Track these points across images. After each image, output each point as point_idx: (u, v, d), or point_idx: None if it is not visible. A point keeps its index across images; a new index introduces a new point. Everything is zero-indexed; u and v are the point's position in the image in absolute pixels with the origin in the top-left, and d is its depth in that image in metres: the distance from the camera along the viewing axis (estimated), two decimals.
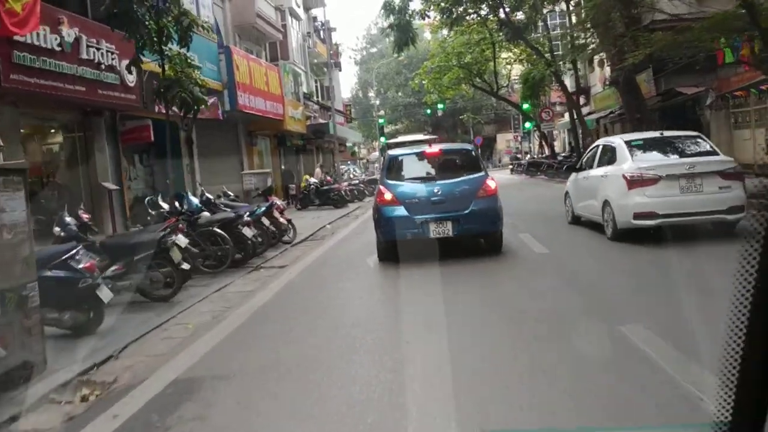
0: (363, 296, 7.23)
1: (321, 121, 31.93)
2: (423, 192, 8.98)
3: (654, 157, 9.51)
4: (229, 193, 13.61)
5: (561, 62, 27.41)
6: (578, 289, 6.63)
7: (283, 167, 26.24)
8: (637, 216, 8.91)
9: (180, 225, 8.68)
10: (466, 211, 8.74)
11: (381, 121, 48.36)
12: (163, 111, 10.88)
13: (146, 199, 10.62)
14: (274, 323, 6.30)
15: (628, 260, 8.21)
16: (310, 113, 31.94)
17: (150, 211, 9.86)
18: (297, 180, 26.29)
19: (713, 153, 9.39)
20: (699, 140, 9.91)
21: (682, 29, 15.36)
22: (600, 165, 10.51)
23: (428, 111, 59.16)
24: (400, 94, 62.40)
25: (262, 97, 20.94)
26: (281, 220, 12.09)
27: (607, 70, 33.53)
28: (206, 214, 10.68)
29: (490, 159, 63.90)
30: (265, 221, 11.00)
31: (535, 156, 43.49)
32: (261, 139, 25.91)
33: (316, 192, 22.90)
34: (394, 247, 8.90)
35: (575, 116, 30.90)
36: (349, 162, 55.25)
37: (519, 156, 50.36)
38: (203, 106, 9.53)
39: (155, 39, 8.97)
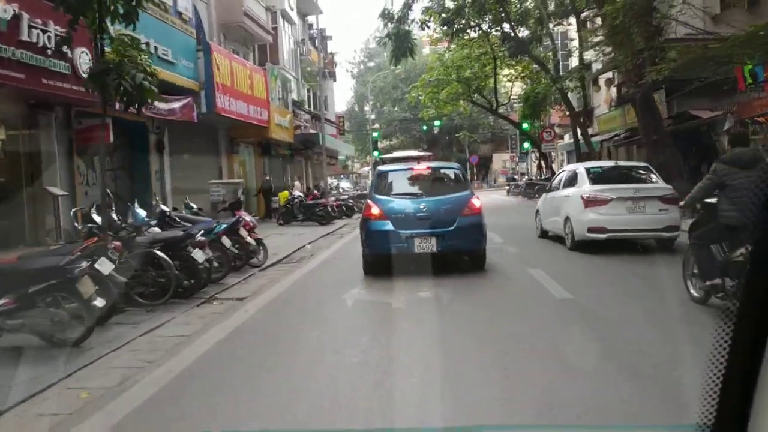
0: (333, 356, 5.39)
1: (311, 131, 30.20)
2: (409, 208, 9.23)
3: (608, 182, 11.26)
4: (192, 205, 11.79)
5: (567, 79, 25.79)
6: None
7: (267, 177, 24.44)
8: (590, 230, 10.82)
9: (113, 244, 6.86)
10: (451, 228, 8.99)
11: (375, 134, 46.69)
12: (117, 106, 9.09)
13: (78, 210, 8.71)
14: (195, 400, 4.42)
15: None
16: (299, 122, 30.22)
17: (75, 225, 8.00)
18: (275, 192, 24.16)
19: (656, 181, 11.33)
20: (647, 170, 11.88)
21: (710, 44, 13.81)
22: (565, 187, 12.37)
23: (424, 127, 57.65)
24: (396, 108, 60.84)
25: (244, 100, 19.18)
26: (248, 239, 10.26)
27: (614, 90, 32.17)
28: (155, 230, 8.86)
29: (485, 179, 62.36)
30: (226, 242, 9.14)
31: (533, 177, 41.84)
32: (244, 147, 24.12)
33: (301, 206, 21.08)
34: (381, 262, 9.12)
35: (579, 137, 29.34)
36: (342, 176, 53.58)
37: (516, 177, 48.82)
38: (149, 100, 7.63)
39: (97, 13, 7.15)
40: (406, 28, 27.74)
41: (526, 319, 6.35)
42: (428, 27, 29.08)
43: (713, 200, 6.32)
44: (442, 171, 10.56)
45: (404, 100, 58.66)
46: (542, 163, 38.67)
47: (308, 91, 36.83)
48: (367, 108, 65.36)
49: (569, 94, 30.61)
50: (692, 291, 6.62)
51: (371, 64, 66.70)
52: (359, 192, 32.98)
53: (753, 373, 0.83)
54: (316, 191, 24.48)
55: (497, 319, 6.37)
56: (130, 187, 15.94)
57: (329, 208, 21.04)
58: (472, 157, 58.45)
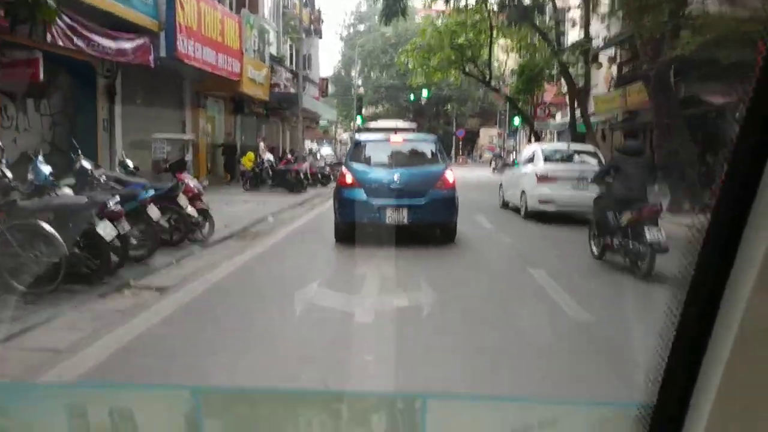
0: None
1: (292, 91, 28.05)
2: (383, 178, 9.25)
3: (559, 163, 13.37)
4: (128, 162, 9.82)
5: (569, 53, 23.89)
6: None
7: (243, 138, 22.43)
8: (540, 201, 12.60)
9: None
10: (423, 201, 9.05)
11: (360, 99, 44.45)
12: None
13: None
14: None
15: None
16: (278, 80, 28.02)
17: None
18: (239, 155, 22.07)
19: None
20: (593, 154, 13.84)
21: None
22: (524, 165, 14.33)
23: (412, 96, 55.49)
24: (383, 75, 58.43)
25: (213, 48, 17.04)
26: (189, 209, 8.37)
27: (615, 70, 30.38)
28: (67, 192, 6.95)
29: (471, 154, 60.54)
30: (153, 212, 7.22)
31: None
32: (213, 102, 21.99)
33: (270, 171, 19.14)
34: (352, 230, 9.11)
35: (576, 115, 27.59)
36: (324, 141, 51.40)
37: (502, 154, 47.05)
38: (47, 19, 5.67)
39: None
40: None
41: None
42: None
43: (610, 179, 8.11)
44: (419, 143, 10.60)
45: (393, 66, 56.20)
46: (533, 140, 36.92)
47: (290, 47, 34.50)
48: (354, 73, 62.89)
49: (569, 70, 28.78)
50: (593, 249, 8.53)
51: (361, 27, 63.84)
52: (337, 160, 31.11)
53: (699, 353, 0.82)
54: (290, 155, 22.47)
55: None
56: (70, 137, 13.84)
57: (302, 175, 19.11)
58: (459, 131, 56.50)
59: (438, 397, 1.68)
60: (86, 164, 7.99)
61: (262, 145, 20.89)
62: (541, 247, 10.04)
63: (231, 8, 21.17)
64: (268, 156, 19.58)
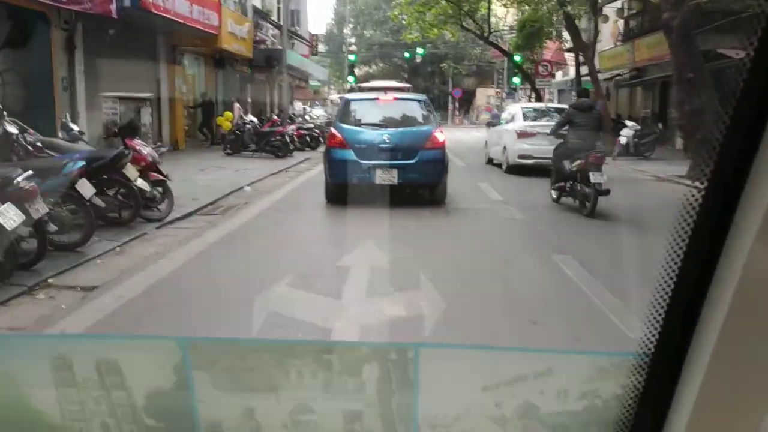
0: None
1: (279, 47, 26.29)
2: (372, 138, 9.15)
3: (537, 120, 14.45)
4: (72, 126, 8.37)
5: (576, 4, 22.18)
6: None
7: (225, 97, 20.83)
8: (520, 156, 13.87)
9: None
10: (413, 161, 9.02)
11: (352, 57, 42.56)
12: None
13: None
14: None
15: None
16: (264, 36, 26.29)
17: None
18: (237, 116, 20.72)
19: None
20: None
21: None
22: (507, 123, 15.44)
23: (407, 54, 53.42)
24: (377, 32, 56.22)
25: None
26: (139, 182, 6.94)
27: (621, 24, 28.63)
28: None
29: (467, 115, 58.69)
30: (85, 188, 5.79)
31: None
32: (192, 59, 20.34)
33: (253, 134, 17.62)
34: (343, 192, 9.04)
35: (581, 72, 26.03)
36: (316, 102, 49.56)
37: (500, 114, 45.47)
38: None
39: None
40: None
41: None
42: None
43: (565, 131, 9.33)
44: (408, 103, 10.36)
45: (386, 23, 54.13)
46: (533, 99, 35.30)
47: (277, 1, 32.53)
48: (346, 31, 60.59)
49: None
50: (552, 193, 9.70)
51: None
52: (327, 120, 29.50)
53: (697, 304, 0.83)
54: (276, 117, 20.88)
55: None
56: (24, 97, 12.32)
57: (287, 138, 17.61)
58: (455, 90, 54.60)
59: (430, 346, 1.51)
60: (11, 128, 6.52)
61: (237, 105, 19.35)
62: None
63: None
64: (250, 117, 18.03)
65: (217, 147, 18.94)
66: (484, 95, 58.71)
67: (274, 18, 30.12)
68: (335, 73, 61.84)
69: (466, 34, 53.74)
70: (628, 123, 19.55)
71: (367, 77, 72.64)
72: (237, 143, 17.44)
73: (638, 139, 19.17)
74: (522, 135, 13.93)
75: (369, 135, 9.24)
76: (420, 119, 9.80)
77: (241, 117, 18.33)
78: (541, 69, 29.34)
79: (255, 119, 18.09)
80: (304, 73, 32.94)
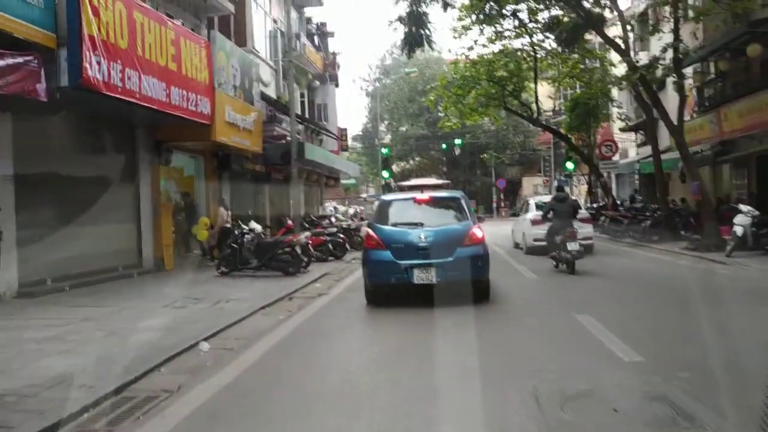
0: None
1: (300, 141, 22.98)
2: (409, 238, 9.20)
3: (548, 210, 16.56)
4: None
5: (652, 68, 18.23)
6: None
7: (189, 196, 17.24)
8: (535, 240, 16.33)
9: None
10: (450, 258, 8.97)
11: (384, 150, 39.39)
12: None
13: None
14: None
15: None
16: (283, 130, 23.13)
17: None
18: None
19: (580, 209, 16.31)
20: (574, 202, 15.43)
21: None
22: (524, 213, 19.79)
23: (444, 145, 50.36)
24: (412, 126, 53.49)
25: (160, 77, 11.93)
26: None
27: (695, 92, 24.59)
28: None
29: (513, 206, 54.48)
30: None
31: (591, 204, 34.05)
32: (188, 157, 16.91)
33: (256, 246, 13.70)
34: (384, 293, 9.49)
35: (658, 147, 21.82)
36: (347, 201, 46.38)
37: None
38: None
39: None
40: (423, 8, 20.79)
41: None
42: (452, 6, 21.86)
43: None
44: (445, 200, 10.39)
45: (421, 115, 51.49)
46: (593, 185, 31.00)
47: (302, 96, 29.75)
48: (382, 128, 58.20)
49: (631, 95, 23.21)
50: (553, 261, 13.42)
51: (387, 81, 58.78)
52: (357, 222, 25.69)
53: None
54: (290, 222, 17.02)
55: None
56: None
57: (298, 249, 13.62)
58: (499, 181, 50.84)
59: None
60: None
61: (222, 211, 15.65)
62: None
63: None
64: (253, 225, 14.14)
65: (210, 263, 15.10)
66: (531, 184, 54.75)
67: (303, 112, 27.16)
68: (372, 170, 59.03)
69: (507, 121, 50.86)
70: (743, 208, 15.01)
71: (405, 173, 69.60)
72: (233, 259, 13.50)
73: (756, 228, 14.59)
74: (534, 223, 16.51)
75: (405, 235, 9.27)
76: (457, 216, 9.81)
77: (230, 222, 14.56)
78: (604, 150, 25.21)
79: (258, 226, 14.18)
80: (332, 170, 29.57)
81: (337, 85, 34.84)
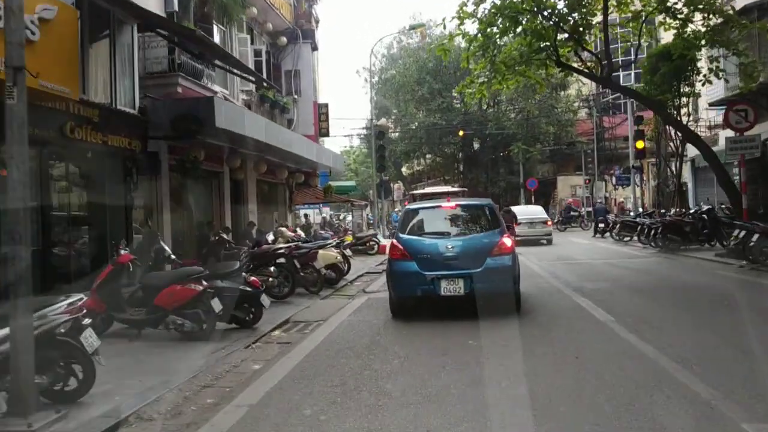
0: None
1: (238, 104, 13.50)
2: (435, 248, 8.92)
3: (523, 214, 26.69)
4: None
5: None
6: None
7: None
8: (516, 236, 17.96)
9: None
10: (479, 269, 8.64)
11: (379, 128, 29.67)
12: None
13: None
14: None
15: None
16: (190, 84, 13.88)
17: None
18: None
19: (542, 212, 27.87)
20: (542, 209, 28.10)
21: None
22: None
23: (461, 132, 40.52)
24: (421, 114, 43.89)
25: None
26: None
27: None
28: None
29: (547, 211, 44.60)
30: None
31: (656, 210, 24.26)
32: None
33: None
34: (407, 305, 9.13)
35: None
36: (343, 207, 36.96)
37: (609, 209, 31.43)
38: None
39: None
40: None
41: None
42: None
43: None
44: (472, 209, 10.30)
45: (433, 100, 41.91)
46: (666, 181, 21.36)
47: (259, 55, 20.43)
48: (389, 123, 48.66)
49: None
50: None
51: (393, 71, 48.83)
52: (340, 237, 16.49)
53: None
54: (123, 252, 7.67)
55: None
56: None
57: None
58: (530, 181, 41.07)
59: None
60: None
61: None
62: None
63: None
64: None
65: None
66: (567, 185, 44.93)
67: (265, 73, 17.75)
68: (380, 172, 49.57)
69: (540, 104, 41.17)
70: None
71: (415, 176, 60.32)
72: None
73: None
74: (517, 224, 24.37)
75: (431, 244, 8.98)
76: (486, 225, 9.52)
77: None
78: (734, 119, 15.43)
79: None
80: (302, 162, 20.11)
81: (315, 48, 25.41)
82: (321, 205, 35.75)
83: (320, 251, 12.38)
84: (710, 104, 22.40)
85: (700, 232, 18.24)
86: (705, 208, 18.96)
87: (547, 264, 16.61)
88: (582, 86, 42.26)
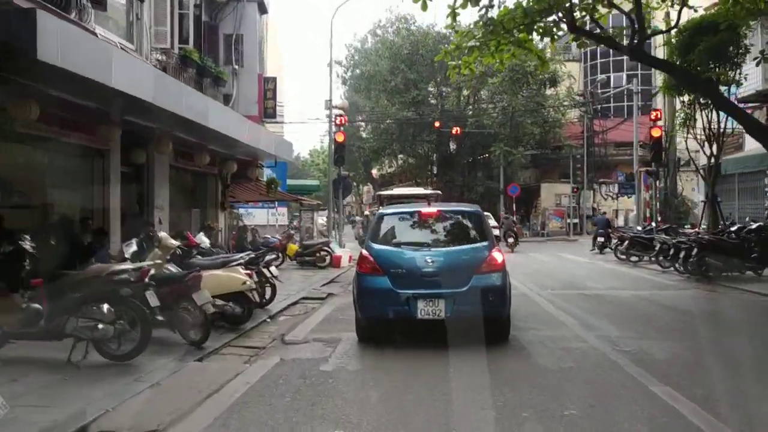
0: None
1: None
2: (412, 261, 7.72)
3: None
4: None
5: None
6: None
7: None
8: None
9: None
10: (464, 288, 7.48)
11: (337, 113, 24.88)
12: None
13: None
14: None
15: None
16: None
17: None
18: None
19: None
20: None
21: None
22: None
23: (436, 123, 36.01)
24: (395, 107, 39.19)
25: None
26: None
27: None
28: None
29: (527, 222, 40.38)
30: None
31: (671, 225, 20.05)
32: None
33: None
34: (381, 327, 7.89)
35: None
36: (313, 208, 32.02)
37: (610, 220, 27.22)
38: None
39: None
40: None
41: None
42: None
43: None
44: (457, 217, 8.72)
45: (407, 92, 37.41)
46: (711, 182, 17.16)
47: (184, 7, 15.66)
48: (360, 120, 44.11)
49: None
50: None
51: (367, 66, 43.84)
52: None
53: None
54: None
55: None
56: None
57: None
58: (511, 187, 36.65)
59: None
60: None
61: None
62: None
63: None
64: None
65: None
66: (552, 193, 40.71)
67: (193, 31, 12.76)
68: (357, 176, 45.45)
69: (524, 99, 36.87)
70: None
71: (386, 179, 55.64)
72: None
73: None
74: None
75: (408, 257, 7.76)
76: (473, 236, 8.18)
77: None
78: None
79: None
80: (232, 143, 15.32)
81: (264, 11, 20.68)
82: (277, 204, 30.53)
83: (217, 272, 7.67)
84: (741, 99, 18.33)
85: (748, 256, 14.03)
86: (754, 225, 14.74)
87: (553, 295, 12.12)
88: (573, 83, 38.24)
